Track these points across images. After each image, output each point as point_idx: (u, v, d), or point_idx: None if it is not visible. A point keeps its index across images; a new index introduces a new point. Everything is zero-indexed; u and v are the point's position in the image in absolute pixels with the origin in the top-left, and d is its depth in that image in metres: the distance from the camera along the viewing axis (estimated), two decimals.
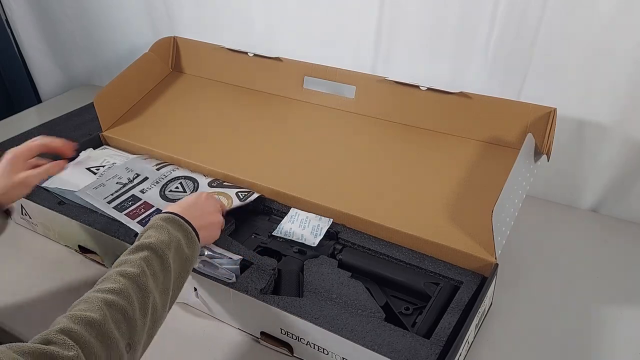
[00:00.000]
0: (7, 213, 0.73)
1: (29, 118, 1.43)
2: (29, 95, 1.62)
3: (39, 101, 1.62)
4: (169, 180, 0.93)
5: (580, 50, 0.89)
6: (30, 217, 0.96)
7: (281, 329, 0.72)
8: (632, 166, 0.94)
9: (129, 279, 0.58)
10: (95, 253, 0.91)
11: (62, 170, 0.81)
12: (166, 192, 0.90)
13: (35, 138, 0.83)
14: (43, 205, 0.92)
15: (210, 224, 0.76)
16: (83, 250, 0.92)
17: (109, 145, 1.12)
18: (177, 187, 0.92)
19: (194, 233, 0.69)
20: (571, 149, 0.98)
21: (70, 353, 0.48)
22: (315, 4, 1.12)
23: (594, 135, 0.95)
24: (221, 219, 0.79)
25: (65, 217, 0.89)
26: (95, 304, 0.54)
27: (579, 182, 1.01)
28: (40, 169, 0.76)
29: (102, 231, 0.85)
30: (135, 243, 0.64)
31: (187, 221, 0.69)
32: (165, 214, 0.69)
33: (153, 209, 0.87)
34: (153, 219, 0.68)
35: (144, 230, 0.67)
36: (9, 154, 0.76)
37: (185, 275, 0.67)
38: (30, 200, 0.93)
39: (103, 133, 1.11)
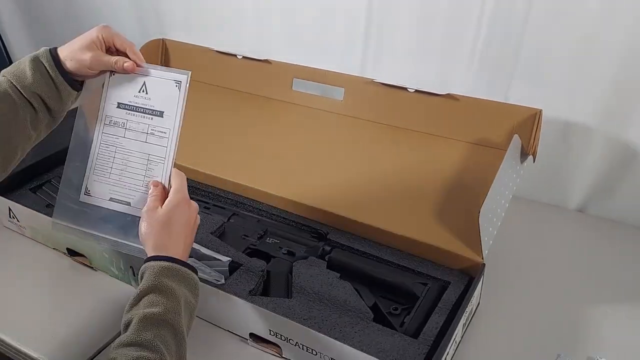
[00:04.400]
0: (81, 85, 0.71)
1: None
2: None
3: None
4: None
5: (565, 52, 0.90)
6: (18, 221, 0.96)
7: (270, 330, 0.72)
8: (617, 167, 0.95)
9: None
10: (83, 256, 0.90)
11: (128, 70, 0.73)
12: None
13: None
14: (31, 209, 0.91)
15: (193, 231, 0.68)
16: (72, 253, 0.91)
17: None
18: None
19: (195, 277, 0.64)
20: (557, 150, 0.99)
21: None
22: (304, 6, 1.12)
23: (579, 136, 0.96)
24: (197, 216, 0.69)
25: None
26: None
27: (565, 182, 1.02)
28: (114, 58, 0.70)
29: None
30: (144, 312, 0.57)
31: (185, 264, 0.63)
32: (161, 264, 0.61)
33: None
34: (149, 273, 0.60)
35: (145, 291, 0.59)
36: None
37: (192, 323, 0.63)
38: (19, 203, 0.92)
39: None
